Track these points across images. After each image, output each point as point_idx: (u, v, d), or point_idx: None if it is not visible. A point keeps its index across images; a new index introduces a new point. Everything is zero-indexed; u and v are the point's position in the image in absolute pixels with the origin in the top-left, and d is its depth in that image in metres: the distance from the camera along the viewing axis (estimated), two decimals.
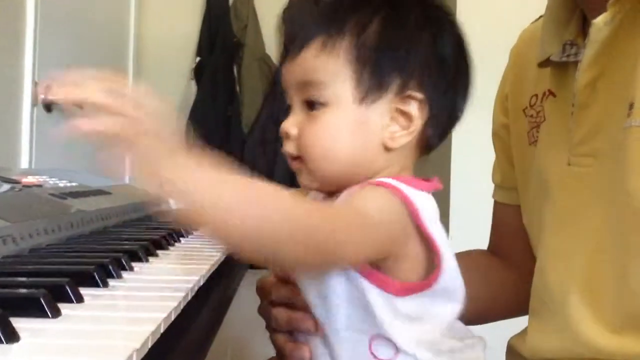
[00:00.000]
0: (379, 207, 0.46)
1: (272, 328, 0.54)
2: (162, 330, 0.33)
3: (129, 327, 0.31)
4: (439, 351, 0.49)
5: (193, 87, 2.03)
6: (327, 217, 0.44)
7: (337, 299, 0.48)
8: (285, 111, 0.52)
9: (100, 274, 0.41)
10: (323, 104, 0.49)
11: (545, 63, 0.60)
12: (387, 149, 0.50)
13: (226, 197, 0.39)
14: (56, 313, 0.33)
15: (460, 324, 0.52)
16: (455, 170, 1.44)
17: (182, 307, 0.38)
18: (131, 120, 0.38)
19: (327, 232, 0.43)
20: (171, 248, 0.66)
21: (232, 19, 2.06)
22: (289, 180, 1.92)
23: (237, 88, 2.06)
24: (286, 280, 0.53)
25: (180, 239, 0.72)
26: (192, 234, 0.76)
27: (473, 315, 0.64)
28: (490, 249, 0.74)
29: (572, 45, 0.57)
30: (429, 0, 0.53)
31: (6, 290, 0.35)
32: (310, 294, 0.50)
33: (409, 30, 0.50)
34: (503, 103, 0.70)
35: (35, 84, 1.32)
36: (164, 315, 0.34)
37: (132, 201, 0.88)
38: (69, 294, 0.36)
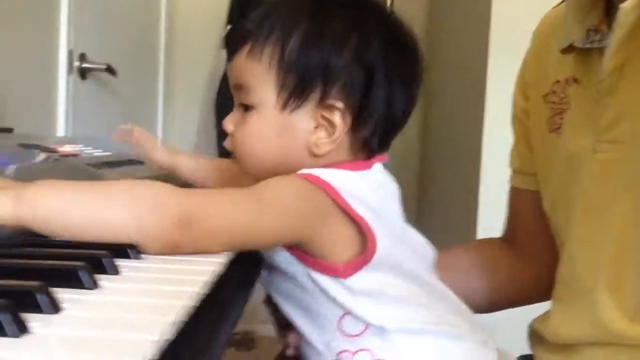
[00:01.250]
0: (277, 192, 0.47)
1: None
2: (197, 305, 0.34)
3: (168, 301, 0.32)
4: (408, 329, 0.50)
5: (224, 56, 2.02)
6: (198, 200, 0.44)
7: (301, 293, 0.51)
8: None
9: (133, 246, 0.42)
10: (251, 107, 0.51)
11: (568, 49, 0.59)
12: (313, 154, 0.51)
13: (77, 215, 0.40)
14: (95, 285, 0.34)
15: (447, 310, 0.53)
16: (485, 162, 1.41)
17: (214, 280, 0.39)
18: None
19: (195, 215, 0.42)
20: None
21: None
22: None
23: None
24: None
25: None
26: None
27: (483, 304, 0.65)
28: (504, 236, 0.74)
29: (596, 32, 0.56)
30: (358, 2, 0.53)
31: (45, 261, 0.37)
32: (275, 293, 0.53)
33: (330, 37, 0.50)
34: (523, 88, 0.69)
35: (70, 53, 1.34)
36: (198, 289, 0.35)
37: (164, 171, 0.89)
38: (105, 266, 0.37)
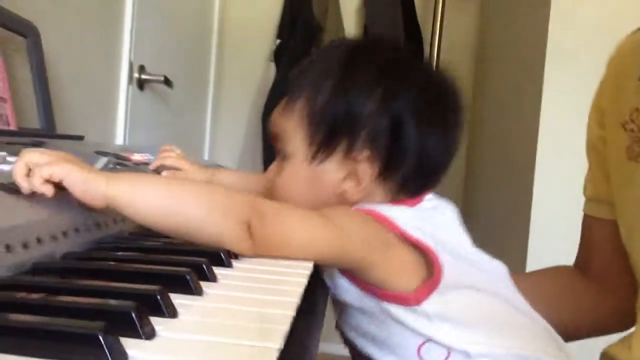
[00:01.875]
0: (341, 218, 0.48)
1: None
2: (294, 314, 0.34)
3: (273, 310, 0.33)
4: (493, 354, 0.49)
5: (272, 69, 2.06)
6: (267, 209, 0.45)
7: (376, 328, 0.51)
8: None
9: (226, 254, 0.43)
10: (286, 157, 0.54)
11: None
12: (345, 203, 0.52)
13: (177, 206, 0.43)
14: (201, 291, 0.35)
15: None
16: (538, 191, 1.39)
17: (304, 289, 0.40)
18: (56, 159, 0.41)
19: (264, 222, 0.44)
20: None
21: (313, 2, 2.06)
22: None
23: None
24: None
25: None
26: None
27: (561, 335, 0.64)
28: (577, 264, 0.72)
29: None
30: (389, 53, 0.54)
31: (154, 266, 0.38)
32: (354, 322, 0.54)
33: (356, 89, 0.51)
34: (599, 116, 0.68)
35: (131, 64, 1.39)
36: (296, 300, 0.36)
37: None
38: (206, 273, 0.38)
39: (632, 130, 0.61)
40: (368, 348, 0.53)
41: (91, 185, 0.40)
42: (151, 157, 0.85)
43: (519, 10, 1.73)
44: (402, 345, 0.50)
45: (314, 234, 0.46)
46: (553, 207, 1.33)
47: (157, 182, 0.46)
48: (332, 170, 0.52)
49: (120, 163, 0.71)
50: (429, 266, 0.49)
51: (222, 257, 0.42)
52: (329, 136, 0.51)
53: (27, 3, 0.96)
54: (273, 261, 0.45)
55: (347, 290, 0.51)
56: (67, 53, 1.13)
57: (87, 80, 1.22)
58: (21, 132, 0.77)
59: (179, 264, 0.38)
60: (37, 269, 0.36)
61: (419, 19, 2.04)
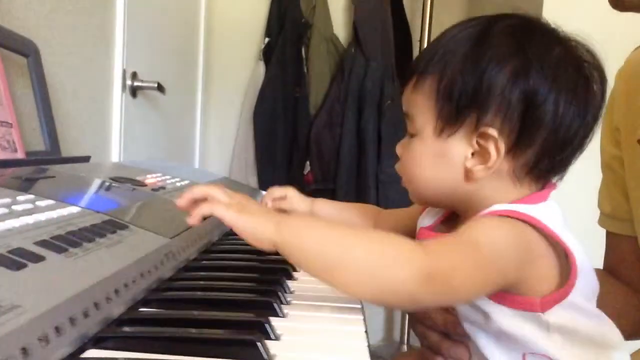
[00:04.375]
0: (494, 242, 0.46)
1: (425, 324, 0.56)
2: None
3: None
4: None
5: (262, 68, 2.04)
6: (439, 255, 0.45)
7: (488, 326, 0.50)
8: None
9: (278, 303, 0.43)
10: (414, 134, 0.54)
11: None
12: (469, 180, 0.51)
13: (339, 255, 0.43)
14: (284, 314, 0.37)
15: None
16: None
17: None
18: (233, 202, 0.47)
19: (442, 271, 0.43)
20: None
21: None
22: (355, 161, 1.94)
23: (305, 69, 2.05)
24: None
25: None
26: None
27: None
28: (607, 270, 0.73)
29: None
30: (519, 27, 0.51)
31: (214, 333, 0.37)
32: (463, 317, 0.52)
33: (486, 63, 0.49)
34: (613, 134, 0.68)
35: (124, 72, 1.36)
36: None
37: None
38: (269, 332, 0.38)
39: None
40: (480, 340, 0.52)
41: (259, 231, 0.44)
42: (163, 177, 0.84)
43: (506, 8, 1.74)
44: (509, 348, 0.50)
45: (482, 281, 0.45)
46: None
47: (324, 229, 0.46)
48: (459, 145, 0.50)
49: (137, 190, 0.70)
50: (563, 273, 0.48)
51: (275, 307, 0.42)
52: (457, 109, 0.50)
53: (19, 17, 0.93)
54: (322, 307, 0.45)
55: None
56: (61, 65, 1.10)
57: (81, 90, 1.19)
58: (29, 161, 0.74)
59: (239, 323, 0.37)
60: (100, 339, 0.36)
61: (408, 17, 2.04)
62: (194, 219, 0.45)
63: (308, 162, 2.01)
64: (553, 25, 0.52)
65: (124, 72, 1.36)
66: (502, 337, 0.50)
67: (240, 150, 2.06)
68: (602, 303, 0.68)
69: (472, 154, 0.50)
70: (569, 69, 0.50)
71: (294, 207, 0.73)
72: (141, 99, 1.49)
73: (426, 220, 0.59)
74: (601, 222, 0.72)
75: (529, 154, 0.50)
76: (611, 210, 0.70)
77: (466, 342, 0.54)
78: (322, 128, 2.01)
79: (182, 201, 0.46)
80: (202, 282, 0.49)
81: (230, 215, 0.44)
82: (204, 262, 0.57)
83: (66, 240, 0.42)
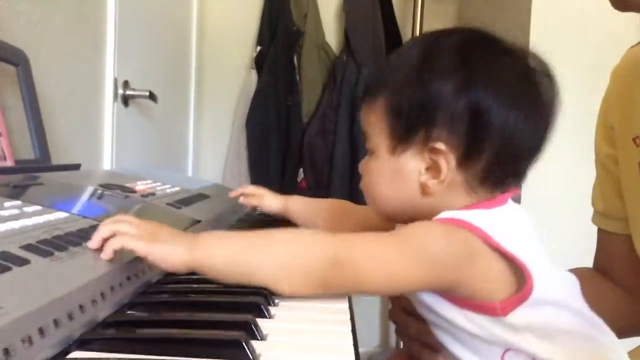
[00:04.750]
0: (422, 240, 0.47)
1: (406, 334, 0.58)
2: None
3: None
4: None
5: (254, 76, 2.04)
6: (353, 244, 0.46)
7: (459, 332, 0.51)
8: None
9: (265, 305, 0.43)
10: (371, 152, 0.55)
11: None
12: (425, 194, 0.52)
13: (253, 260, 0.45)
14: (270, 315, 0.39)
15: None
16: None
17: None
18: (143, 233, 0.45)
19: (351, 258, 0.45)
20: None
21: (292, 7, 2.05)
22: (349, 168, 1.94)
23: (297, 77, 2.06)
24: None
25: None
26: None
27: None
28: (597, 269, 0.74)
29: None
30: (464, 41, 0.52)
31: (201, 333, 0.37)
32: (433, 327, 0.53)
33: (430, 78, 0.50)
34: (607, 133, 0.68)
35: (115, 81, 1.36)
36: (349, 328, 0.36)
37: (228, 204, 0.90)
38: (255, 332, 0.38)
39: None
40: (449, 344, 0.52)
41: (171, 257, 0.45)
42: (153, 184, 0.84)
43: (495, 15, 1.76)
44: (485, 351, 0.50)
45: (397, 274, 0.46)
46: (540, 213, 1.35)
47: (234, 241, 0.47)
48: (413, 161, 0.51)
49: (127, 197, 0.70)
50: (519, 277, 0.48)
51: (262, 308, 0.42)
52: (406, 126, 0.51)
53: (8, 27, 0.93)
54: (310, 308, 0.45)
55: (425, 294, 0.50)
56: (52, 74, 1.10)
57: (72, 99, 1.19)
58: (18, 169, 0.74)
59: (225, 324, 0.38)
60: (84, 341, 0.35)
61: (398, 23, 2.05)
62: (106, 254, 0.44)
63: (301, 169, 2.02)
64: (500, 37, 0.52)
65: (116, 80, 1.36)
66: (475, 341, 0.50)
67: (233, 158, 2.06)
68: (593, 301, 0.68)
69: (426, 169, 0.51)
70: (515, 79, 0.50)
71: (265, 204, 0.78)
72: (133, 108, 1.49)
73: None
74: (594, 220, 0.72)
75: (480, 164, 0.50)
76: (604, 209, 0.70)
77: (441, 350, 0.54)
78: (315, 135, 2.02)
79: (92, 243, 0.44)
80: (189, 285, 0.49)
81: (140, 246, 0.44)
82: None
83: (52, 245, 0.42)
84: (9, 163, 0.76)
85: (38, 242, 0.42)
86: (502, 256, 0.48)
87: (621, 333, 0.70)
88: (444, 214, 0.49)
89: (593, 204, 0.72)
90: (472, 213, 0.49)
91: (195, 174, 2.02)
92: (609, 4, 1.04)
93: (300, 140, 2.03)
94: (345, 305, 0.46)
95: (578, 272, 0.73)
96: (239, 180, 2.01)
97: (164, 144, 1.78)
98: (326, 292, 0.45)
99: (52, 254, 0.40)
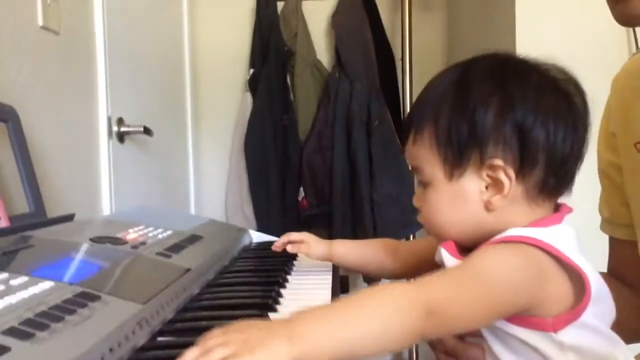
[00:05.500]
0: (495, 267, 0.49)
1: (439, 349, 0.60)
2: None
3: None
4: None
5: (249, 99, 2.06)
6: (432, 288, 0.48)
7: (505, 338, 0.52)
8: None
9: None
10: (427, 184, 0.57)
11: None
12: (489, 211, 0.55)
13: (351, 335, 0.44)
14: None
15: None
16: None
17: None
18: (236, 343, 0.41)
19: (437, 303, 0.46)
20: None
21: (282, 28, 2.07)
22: (349, 184, 1.95)
23: (292, 96, 2.08)
24: None
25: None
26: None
27: None
28: (611, 273, 0.74)
29: None
30: (494, 66, 0.56)
31: None
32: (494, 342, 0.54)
33: (473, 104, 0.54)
34: (610, 140, 0.68)
35: (109, 118, 1.38)
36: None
37: (221, 245, 0.91)
38: None
39: None
40: (494, 344, 0.53)
41: (276, 355, 0.41)
42: (145, 231, 0.85)
43: (482, 25, 1.76)
44: (529, 358, 0.51)
45: (485, 311, 0.48)
46: None
47: (330, 321, 0.45)
48: (472, 183, 0.54)
49: (117, 250, 0.71)
50: (577, 293, 0.50)
51: None
52: (459, 151, 0.54)
53: None
54: None
55: None
56: (45, 118, 1.12)
57: (66, 142, 1.21)
58: (12, 229, 0.76)
59: None
60: None
61: (388, 36, 2.06)
62: None
63: (302, 188, 2.03)
64: (523, 56, 0.57)
65: (109, 119, 1.38)
66: (519, 349, 0.52)
67: (234, 182, 2.08)
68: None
69: (486, 187, 0.54)
70: (547, 91, 0.54)
71: (312, 252, 0.79)
72: (129, 144, 1.51)
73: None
74: (602, 228, 0.73)
75: (536, 174, 0.54)
76: (610, 216, 0.71)
77: (481, 344, 0.56)
78: (313, 153, 2.03)
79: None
80: (177, 350, 0.49)
81: (244, 357, 0.40)
82: (180, 324, 0.58)
83: (34, 324, 0.43)
84: (3, 223, 0.78)
85: (21, 323, 0.43)
86: (566, 272, 0.50)
87: (637, 334, 0.71)
88: (511, 232, 0.51)
89: (600, 212, 0.73)
90: (538, 231, 0.51)
91: (197, 202, 2.04)
92: (592, 9, 1.04)
93: (298, 158, 2.04)
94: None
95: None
96: (240, 204, 2.03)
97: (163, 177, 1.80)
98: (424, 340, 0.48)
99: (33, 335, 0.41)
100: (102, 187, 1.36)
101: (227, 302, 0.66)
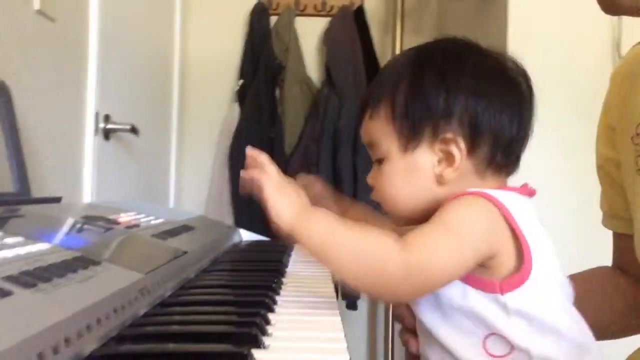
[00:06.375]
0: (464, 218, 0.52)
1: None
2: None
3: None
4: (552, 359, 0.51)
5: (236, 109, 2.05)
6: (421, 248, 0.50)
7: (450, 309, 0.53)
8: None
9: (259, 334, 0.42)
10: (382, 160, 0.59)
11: None
12: (441, 184, 0.57)
13: (335, 249, 0.52)
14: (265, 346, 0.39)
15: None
16: None
17: None
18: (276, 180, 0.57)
19: (423, 263, 0.50)
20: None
21: (273, 42, 2.08)
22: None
23: (279, 110, 2.07)
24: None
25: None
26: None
27: (598, 332, 0.63)
28: (615, 266, 0.74)
29: None
30: (453, 49, 0.59)
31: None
32: (424, 308, 0.55)
33: (428, 81, 0.56)
34: (608, 134, 0.69)
35: (97, 114, 1.35)
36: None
37: (214, 235, 0.89)
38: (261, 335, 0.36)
39: (637, 144, 0.63)
40: (436, 326, 0.54)
41: (281, 213, 0.54)
42: (137, 216, 0.82)
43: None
44: (471, 332, 0.52)
45: (460, 263, 0.51)
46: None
47: (330, 226, 0.53)
48: (425, 155, 0.56)
49: (111, 228, 0.68)
50: (520, 260, 0.52)
51: (256, 339, 0.40)
52: (414, 123, 0.56)
53: None
54: (304, 338, 0.44)
55: None
56: (32, 108, 1.08)
57: (52, 133, 1.17)
58: None
59: (219, 356, 0.36)
60: None
61: (378, 55, 2.09)
62: (246, 174, 0.58)
63: None
64: (479, 44, 0.60)
65: (97, 114, 1.35)
66: (463, 320, 0.53)
67: (216, 192, 2.04)
68: (613, 299, 0.69)
69: (438, 161, 0.56)
70: (498, 78, 0.58)
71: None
72: (114, 142, 1.47)
73: None
74: (603, 223, 0.73)
75: (484, 150, 0.56)
76: (609, 210, 0.71)
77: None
78: (298, 167, 2.02)
79: (250, 155, 0.60)
80: (178, 317, 0.47)
81: (269, 188, 0.55)
82: (181, 297, 0.55)
83: (35, 276, 0.40)
84: None
85: (20, 273, 0.40)
86: (513, 236, 0.52)
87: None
88: (474, 189, 0.54)
89: (600, 207, 0.73)
90: (494, 192, 0.53)
91: (177, 207, 2.00)
92: (582, 14, 1.06)
93: (283, 172, 2.02)
94: (341, 334, 0.45)
95: (598, 269, 0.74)
96: (220, 215, 1.99)
97: (145, 178, 1.76)
98: (395, 300, 0.51)
99: (34, 285, 0.38)
100: (84, 181, 1.32)
101: (222, 283, 0.63)
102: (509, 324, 0.51)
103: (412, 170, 0.56)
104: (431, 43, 0.60)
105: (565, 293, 0.55)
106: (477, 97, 0.56)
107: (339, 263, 0.52)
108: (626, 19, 1.07)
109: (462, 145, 0.55)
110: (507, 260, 0.52)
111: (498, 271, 0.52)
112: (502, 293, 0.51)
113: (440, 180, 0.56)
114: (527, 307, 0.51)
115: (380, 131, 0.58)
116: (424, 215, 0.56)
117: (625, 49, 1.31)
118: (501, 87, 0.57)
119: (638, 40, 0.71)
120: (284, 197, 0.55)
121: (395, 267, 0.49)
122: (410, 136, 0.56)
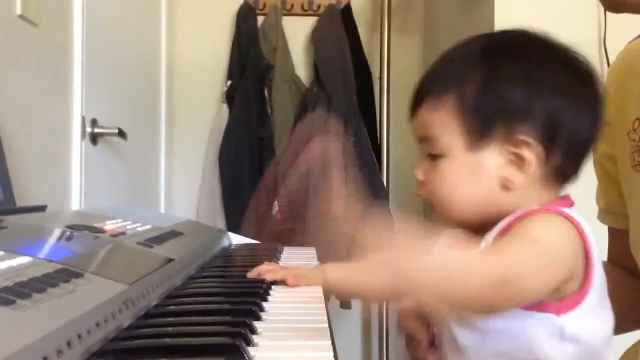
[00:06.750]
0: (555, 239, 0.48)
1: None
2: None
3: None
4: None
5: (225, 110, 2.04)
6: (510, 256, 0.46)
7: (494, 333, 0.50)
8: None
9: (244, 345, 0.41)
10: (439, 155, 0.54)
11: None
12: (506, 189, 0.52)
13: (414, 274, 0.45)
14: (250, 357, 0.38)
15: None
16: None
17: None
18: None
19: (515, 272, 0.45)
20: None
21: (261, 42, 2.07)
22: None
23: (269, 110, 2.07)
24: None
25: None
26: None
27: None
28: (611, 261, 0.74)
29: None
30: (527, 42, 0.55)
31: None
32: (461, 328, 0.52)
33: (504, 77, 0.52)
34: (604, 130, 0.69)
35: (83, 119, 1.33)
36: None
37: (202, 241, 0.88)
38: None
39: (634, 140, 0.63)
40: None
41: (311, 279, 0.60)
42: (123, 223, 0.81)
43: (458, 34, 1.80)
44: (510, 356, 0.50)
45: (550, 280, 0.47)
46: None
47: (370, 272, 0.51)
48: (492, 156, 0.52)
49: (96, 237, 0.67)
50: (583, 282, 0.50)
51: (241, 350, 0.40)
52: (485, 122, 0.51)
53: None
54: (289, 347, 0.43)
55: None
56: (17, 112, 1.07)
57: (38, 139, 1.16)
58: None
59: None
60: None
61: (365, 52, 2.08)
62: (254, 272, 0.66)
63: (276, 202, 2.00)
64: (555, 42, 0.55)
65: (83, 119, 1.34)
66: (507, 343, 0.49)
67: (207, 193, 2.03)
68: (612, 294, 0.68)
69: (506, 163, 0.52)
70: (576, 75, 0.54)
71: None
72: (102, 146, 1.46)
73: (446, 241, 0.58)
74: (599, 218, 0.74)
75: (557, 157, 0.52)
76: (605, 206, 0.71)
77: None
78: (288, 167, 2.01)
79: (252, 274, 0.64)
80: (162, 329, 0.46)
81: (291, 279, 0.63)
82: (166, 307, 0.55)
83: (13, 292, 0.39)
84: None
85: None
86: (584, 259, 0.49)
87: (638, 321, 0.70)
88: (548, 206, 0.50)
89: (597, 202, 0.73)
90: (571, 212, 0.50)
91: (168, 211, 1.99)
92: (567, 9, 1.06)
93: (273, 172, 2.01)
94: (327, 341, 0.45)
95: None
96: (212, 215, 1.98)
97: (135, 182, 1.75)
98: (486, 311, 0.47)
99: (13, 302, 0.38)
100: (72, 187, 1.31)
101: (209, 291, 0.63)
102: (559, 351, 0.49)
103: (475, 171, 0.52)
104: (500, 33, 0.56)
105: (609, 319, 0.52)
106: (559, 96, 0.52)
107: (426, 286, 0.45)
108: (611, 16, 1.08)
109: (539, 148, 0.51)
110: (576, 283, 0.50)
111: (563, 293, 0.49)
112: (558, 314, 0.49)
113: (506, 184, 0.52)
114: (585, 331, 0.49)
115: (442, 124, 0.53)
116: (479, 220, 0.53)
117: (611, 46, 1.32)
118: (580, 84, 0.53)
119: (623, 36, 0.71)
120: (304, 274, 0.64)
121: (489, 276, 0.45)
122: (480, 133, 0.52)
